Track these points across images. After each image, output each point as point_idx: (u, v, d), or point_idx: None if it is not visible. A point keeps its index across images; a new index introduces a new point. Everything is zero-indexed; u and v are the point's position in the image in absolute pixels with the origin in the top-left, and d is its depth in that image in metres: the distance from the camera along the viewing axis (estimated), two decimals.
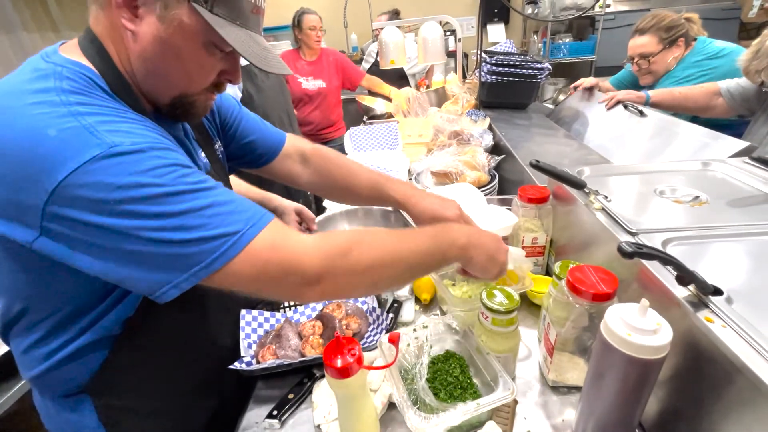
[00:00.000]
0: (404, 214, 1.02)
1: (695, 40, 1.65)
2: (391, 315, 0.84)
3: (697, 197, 0.77)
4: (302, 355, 0.76)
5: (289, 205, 1.05)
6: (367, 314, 0.87)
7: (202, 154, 0.72)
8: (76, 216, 0.43)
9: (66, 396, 0.61)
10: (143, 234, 0.45)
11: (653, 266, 0.57)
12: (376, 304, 0.88)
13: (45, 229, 0.44)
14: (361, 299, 0.91)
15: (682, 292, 0.52)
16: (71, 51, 0.53)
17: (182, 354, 0.68)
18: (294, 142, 0.90)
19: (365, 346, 0.79)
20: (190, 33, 0.52)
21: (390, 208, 1.11)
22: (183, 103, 0.59)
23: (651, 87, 1.85)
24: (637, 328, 0.47)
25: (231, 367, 0.72)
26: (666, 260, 0.48)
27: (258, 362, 0.76)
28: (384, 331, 0.80)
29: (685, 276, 0.48)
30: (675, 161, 0.95)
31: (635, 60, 1.70)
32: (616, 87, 1.94)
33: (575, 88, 1.94)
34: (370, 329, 0.84)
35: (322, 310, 0.86)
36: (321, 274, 0.51)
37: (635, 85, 1.88)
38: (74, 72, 0.49)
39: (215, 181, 0.52)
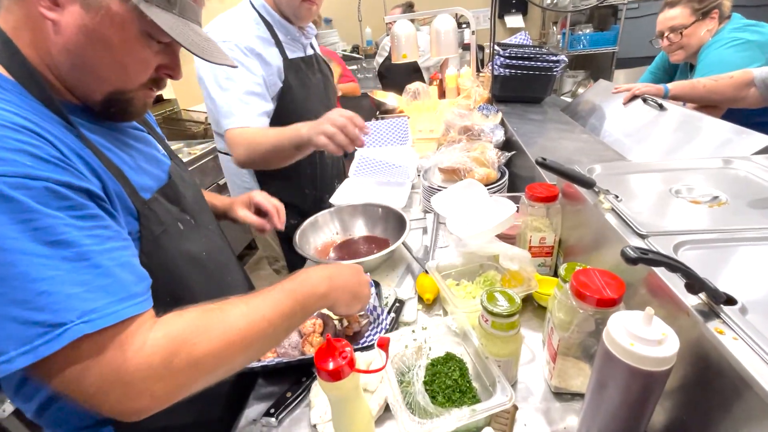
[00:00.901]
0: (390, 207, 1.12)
1: (729, 17, 1.56)
2: (392, 315, 0.83)
3: (715, 197, 0.73)
4: (302, 353, 0.76)
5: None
6: (368, 312, 0.86)
7: (159, 146, 0.71)
8: None
9: (81, 428, 0.58)
10: None
11: (662, 271, 0.54)
12: (377, 303, 0.87)
13: None
14: None
15: (692, 300, 0.49)
16: None
17: None
18: None
19: (365, 345, 0.78)
20: (121, 22, 0.48)
21: (375, 203, 1.18)
22: (118, 101, 0.56)
23: (676, 75, 1.76)
24: (641, 337, 0.44)
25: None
26: (674, 266, 0.45)
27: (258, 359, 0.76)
28: (384, 331, 0.79)
29: (695, 283, 0.45)
30: (694, 158, 0.90)
31: (665, 35, 1.61)
32: (653, 81, 1.86)
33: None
34: (370, 328, 0.83)
35: None
36: (153, 377, 0.43)
37: (668, 70, 1.79)
38: None
39: (90, 239, 0.44)
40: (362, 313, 0.86)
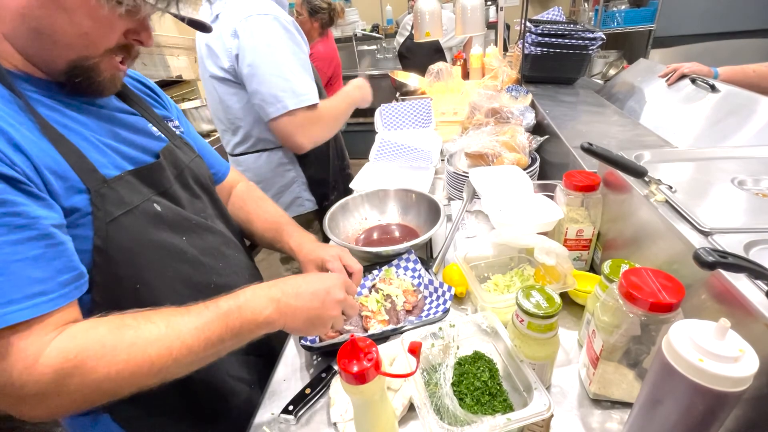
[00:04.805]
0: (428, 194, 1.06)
1: None
2: (453, 288, 0.81)
3: None
4: (365, 330, 0.76)
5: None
6: (422, 288, 0.86)
7: (154, 128, 0.66)
8: None
9: (81, 416, 0.58)
10: None
11: (731, 274, 0.48)
12: (433, 277, 0.86)
13: None
14: (411, 275, 0.89)
15: None
16: None
17: None
18: (233, 176, 0.91)
19: (426, 319, 0.77)
20: None
21: (410, 189, 1.11)
22: (83, 69, 0.51)
23: None
24: (713, 353, 0.38)
25: (303, 343, 0.72)
26: (760, 273, 0.38)
27: (320, 339, 0.74)
28: (447, 303, 0.78)
29: None
30: (757, 145, 0.81)
31: None
32: None
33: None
34: (428, 302, 0.83)
35: (375, 284, 0.87)
36: (43, 393, 0.41)
37: None
38: None
39: None
40: (413, 289, 0.86)
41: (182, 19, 0.55)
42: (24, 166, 0.45)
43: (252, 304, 0.54)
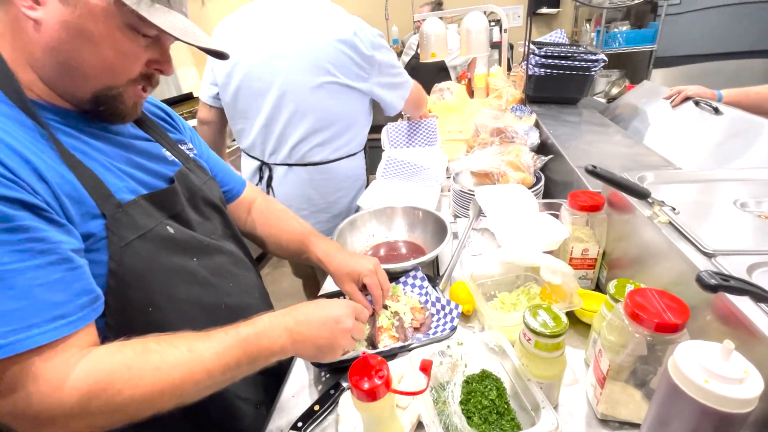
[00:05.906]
0: (428, 209, 1.10)
1: None
2: (460, 306, 0.82)
3: None
4: (373, 347, 0.76)
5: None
6: (429, 305, 0.86)
7: (168, 153, 0.68)
8: None
9: None
10: None
11: (734, 296, 0.49)
12: (440, 294, 0.86)
13: None
14: (418, 292, 0.89)
15: None
16: None
17: None
18: (250, 192, 0.93)
19: (433, 336, 0.78)
20: (101, 15, 0.48)
21: (416, 206, 1.13)
22: (107, 98, 0.54)
23: None
24: (718, 374, 0.39)
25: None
26: (762, 296, 0.39)
27: None
28: (455, 321, 0.79)
29: None
30: (760, 168, 0.83)
31: None
32: None
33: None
34: (435, 320, 0.83)
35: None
36: (68, 415, 0.42)
37: None
38: None
39: (10, 255, 0.41)
40: (420, 306, 0.86)
41: (203, 49, 0.58)
42: (45, 194, 0.47)
43: (269, 333, 0.56)
